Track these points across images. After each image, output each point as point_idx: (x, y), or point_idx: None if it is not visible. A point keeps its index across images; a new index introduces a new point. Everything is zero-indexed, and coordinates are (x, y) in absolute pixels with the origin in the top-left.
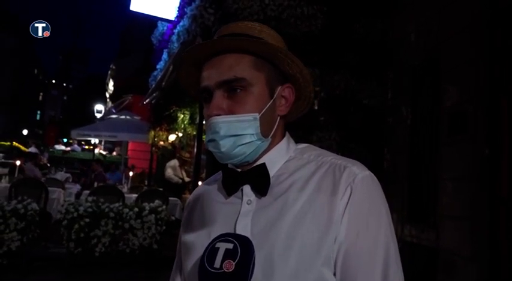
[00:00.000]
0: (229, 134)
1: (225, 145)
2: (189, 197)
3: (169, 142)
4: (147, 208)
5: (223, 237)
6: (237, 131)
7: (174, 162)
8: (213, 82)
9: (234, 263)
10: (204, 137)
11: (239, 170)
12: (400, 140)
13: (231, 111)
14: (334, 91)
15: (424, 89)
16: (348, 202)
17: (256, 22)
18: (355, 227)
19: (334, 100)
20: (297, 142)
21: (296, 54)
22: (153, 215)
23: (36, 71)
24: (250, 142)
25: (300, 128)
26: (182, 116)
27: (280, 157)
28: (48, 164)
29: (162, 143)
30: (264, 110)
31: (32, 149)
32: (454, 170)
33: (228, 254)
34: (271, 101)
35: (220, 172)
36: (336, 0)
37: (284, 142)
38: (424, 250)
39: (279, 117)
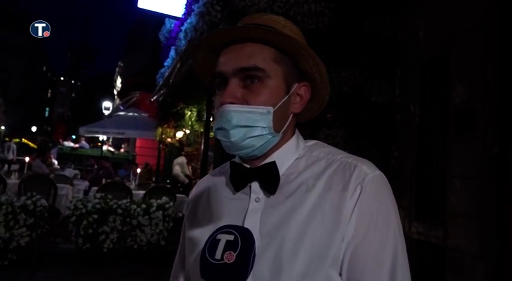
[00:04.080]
0: (240, 124)
1: (235, 135)
2: (193, 189)
3: (177, 138)
4: (155, 204)
5: (224, 229)
6: (249, 123)
7: (182, 159)
8: (230, 68)
9: (234, 255)
10: (211, 134)
11: (248, 166)
12: (408, 137)
13: (245, 101)
14: (341, 88)
15: (432, 87)
16: (356, 202)
17: (281, 16)
18: (363, 227)
19: (341, 97)
20: (304, 138)
21: None
22: (161, 212)
23: (44, 68)
24: (260, 135)
25: (307, 125)
26: (189, 113)
27: (290, 155)
28: (56, 161)
29: (169, 140)
30: (278, 104)
31: (54, 152)
32: (463, 168)
33: (229, 245)
34: (287, 97)
35: (227, 164)
36: None
37: (294, 139)
38: (432, 247)
39: (292, 115)
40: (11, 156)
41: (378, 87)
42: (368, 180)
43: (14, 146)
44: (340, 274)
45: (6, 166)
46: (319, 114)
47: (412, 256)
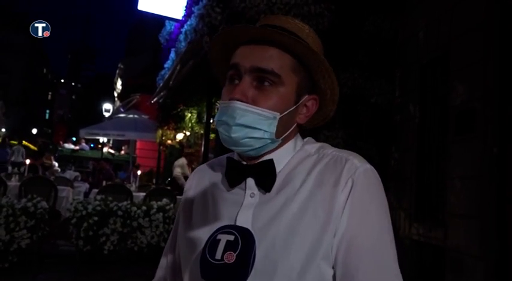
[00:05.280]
0: (244, 123)
1: (236, 131)
2: (189, 178)
3: (177, 140)
4: (155, 206)
5: (225, 229)
6: (253, 124)
7: (182, 161)
8: (248, 64)
9: (235, 255)
10: (211, 136)
11: (244, 163)
12: (408, 138)
13: (253, 102)
14: (341, 89)
15: (432, 87)
16: (349, 195)
17: (307, 25)
18: (355, 220)
19: (341, 98)
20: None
21: None
22: (161, 214)
23: (45, 70)
24: (261, 138)
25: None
26: (189, 115)
27: (287, 155)
28: (56, 163)
29: (169, 142)
30: (285, 112)
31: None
32: (463, 168)
33: (229, 245)
34: (295, 106)
35: (224, 157)
36: None
37: (292, 141)
38: (432, 248)
39: (295, 124)
40: (20, 159)
41: (378, 87)
42: (359, 173)
43: (23, 150)
44: (333, 267)
45: (16, 169)
46: None
47: (412, 256)
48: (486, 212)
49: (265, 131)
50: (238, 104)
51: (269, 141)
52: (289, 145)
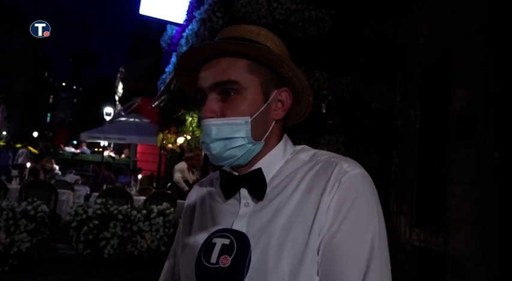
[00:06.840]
0: (219, 137)
1: (215, 147)
2: (187, 198)
3: (178, 144)
4: (155, 210)
5: (220, 232)
6: (228, 134)
7: (182, 165)
8: (207, 84)
9: (230, 259)
10: None
11: (236, 173)
12: (409, 143)
13: (223, 114)
14: (342, 94)
15: (433, 92)
16: (333, 196)
17: (255, 26)
18: (338, 219)
19: (342, 103)
20: (305, 144)
21: (304, 57)
22: (161, 218)
23: (46, 73)
24: (241, 145)
25: (308, 131)
26: (190, 119)
27: (276, 161)
28: (57, 167)
29: (170, 145)
30: (256, 114)
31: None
32: (464, 173)
33: (225, 249)
34: (265, 105)
35: (217, 172)
36: (345, 3)
37: (281, 145)
38: (433, 254)
39: (274, 122)
40: (26, 161)
41: (378, 92)
42: (347, 177)
43: (28, 152)
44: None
45: (19, 171)
46: (320, 120)
47: (413, 262)
48: (487, 217)
49: (242, 137)
50: (208, 121)
51: (250, 145)
52: (278, 150)
